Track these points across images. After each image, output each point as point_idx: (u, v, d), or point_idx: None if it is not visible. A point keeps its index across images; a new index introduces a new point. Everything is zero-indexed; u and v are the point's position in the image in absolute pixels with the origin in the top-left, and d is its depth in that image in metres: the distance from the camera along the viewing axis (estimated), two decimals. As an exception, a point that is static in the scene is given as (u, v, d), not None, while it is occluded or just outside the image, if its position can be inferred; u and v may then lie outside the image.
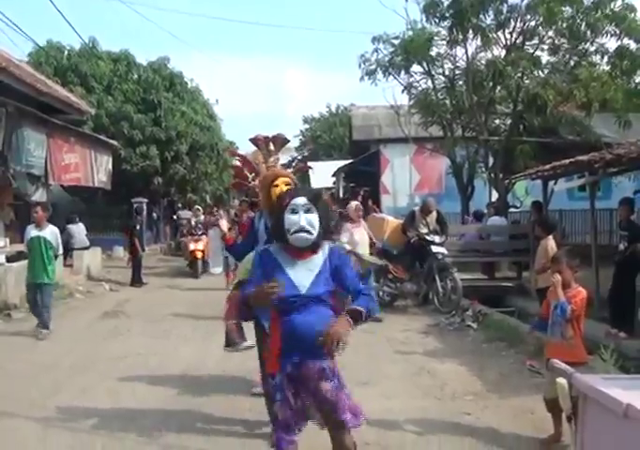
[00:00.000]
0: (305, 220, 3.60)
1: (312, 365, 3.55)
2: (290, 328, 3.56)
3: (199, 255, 17.05)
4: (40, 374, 7.54)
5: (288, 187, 5.08)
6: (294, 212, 3.63)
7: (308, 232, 3.59)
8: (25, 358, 8.25)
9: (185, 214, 24.21)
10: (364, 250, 10.55)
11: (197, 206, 20.40)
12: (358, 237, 10.48)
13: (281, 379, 3.58)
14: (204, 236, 17.15)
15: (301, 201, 3.65)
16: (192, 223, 18.18)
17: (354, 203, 11.28)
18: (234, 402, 6.32)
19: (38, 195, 13.75)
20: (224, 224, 6.13)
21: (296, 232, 3.59)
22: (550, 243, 8.12)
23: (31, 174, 13.16)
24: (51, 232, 10.03)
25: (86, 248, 17.10)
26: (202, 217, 18.16)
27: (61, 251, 10.84)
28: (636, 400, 2.60)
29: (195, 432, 5.53)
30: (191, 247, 17.30)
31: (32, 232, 9.94)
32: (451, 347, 8.69)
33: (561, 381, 3.03)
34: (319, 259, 3.68)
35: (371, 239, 10.87)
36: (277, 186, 5.10)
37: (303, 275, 3.62)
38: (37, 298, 9.86)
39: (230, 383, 6.97)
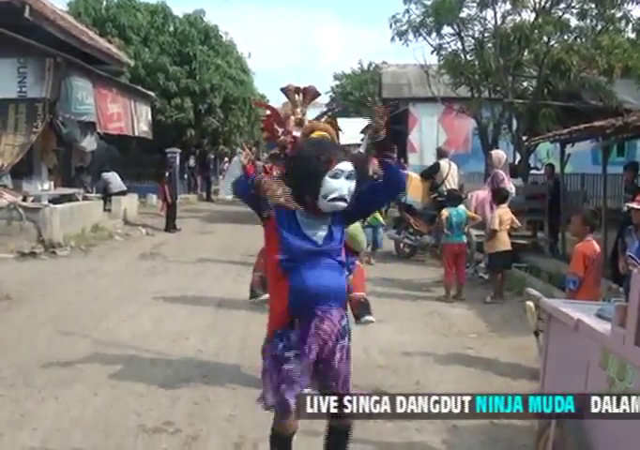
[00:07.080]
0: (347, 189, 3.31)
1: (327, 320, 3.36)
2: (301, 282, 3.31)
3: None
4: (89, 302, 8.43)
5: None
6: (336, 177, 3.29)
7: (345, 200, 3.33)
8: (74, 290, 9.13)
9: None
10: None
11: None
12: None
13: (293, 335, 3.38)
14: None
15: (347, 166, 3.32)
16: None
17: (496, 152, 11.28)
18: (264, 329, 7.11)
19: (87, 142, 14.56)
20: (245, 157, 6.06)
21: (334, 199, 3.30)
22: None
23: (81, 122, 13.90)
24: None
25: (124, 194, 17.88)
26: None
27: None
28: (584, 317, 3.35)
29: (231, 352, 6.36)
30: None
31: None
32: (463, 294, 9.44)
33: (529, 303, 3.77)
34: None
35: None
36: None
37: (317, 229, 3.39)
38: None
39: (261, 314, 7.78)
